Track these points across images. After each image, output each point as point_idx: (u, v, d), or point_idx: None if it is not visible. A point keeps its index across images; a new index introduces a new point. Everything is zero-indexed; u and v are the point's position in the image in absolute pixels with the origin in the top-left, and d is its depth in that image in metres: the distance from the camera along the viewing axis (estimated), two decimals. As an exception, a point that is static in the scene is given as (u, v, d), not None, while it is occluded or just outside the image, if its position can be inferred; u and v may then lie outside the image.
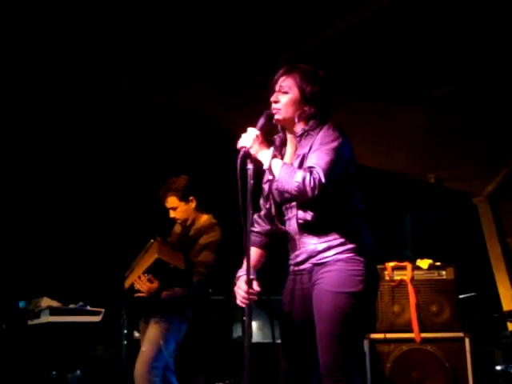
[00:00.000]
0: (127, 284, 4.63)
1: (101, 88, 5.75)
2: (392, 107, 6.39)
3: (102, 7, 4.87)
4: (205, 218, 4.75)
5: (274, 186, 3.11)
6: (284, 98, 3.22)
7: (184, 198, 4.69)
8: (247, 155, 3.05)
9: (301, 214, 3.11)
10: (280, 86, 3.24)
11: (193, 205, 4.72)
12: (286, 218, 3.24)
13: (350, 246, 3.05)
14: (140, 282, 4.44)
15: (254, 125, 3.16)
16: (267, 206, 3.33)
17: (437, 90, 6.28)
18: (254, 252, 3.28)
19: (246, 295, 3.04)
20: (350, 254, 3.03)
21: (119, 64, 5.45)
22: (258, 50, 5.54)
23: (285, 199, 3.18)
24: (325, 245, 3.07)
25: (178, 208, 4.70)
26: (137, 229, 5.56)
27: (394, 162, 7.24)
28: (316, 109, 3.20)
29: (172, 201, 4.69)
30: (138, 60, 5.41)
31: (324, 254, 3.07)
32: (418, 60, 5.79)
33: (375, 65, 5.85)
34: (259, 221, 3.39)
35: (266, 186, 3.31)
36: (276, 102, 3.23)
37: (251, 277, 3.04)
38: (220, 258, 4.58)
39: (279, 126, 3.34)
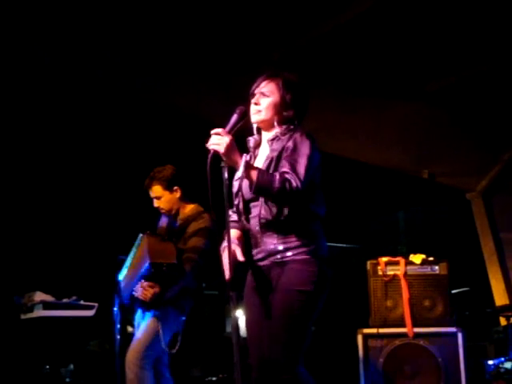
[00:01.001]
0: (121, 277, 4.63)
1: (97, 84, 5.74)
2: (385, 103, 6.39)
3: (100, 5, 4.87)
4: (190, 207, 4.74)
5: (252, 190, 3.16)
6: (265, 101, 3.34)
7: (169, 188, 4.68)
8: (218, 156, 3.07)
9: (263, 213, 3.25)
10: (261, 90, 3.36)
11: (177, 195, 4.70)
12: (250, 215, 3.34)
13: (306, 248, 3.21)
14: (143, 290, 4.43)
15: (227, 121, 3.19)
16: (236, 202, 3.41)
17: (430, 85, 6.28)
18: (235, 231, 3.41)
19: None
20: (306, 256, 3.20)
21: (114, 61, 5.44)
22: (250, 46, 5.53)
23: (252, 197, 3.29)
24: (283, 246, 3.23)
25: (162, 197, 4.69)
26: (129, 223, 5.55)
27: (388, 158, 7.26)
28: (294, 114, 3.34)
29: (156, 190, 4.69)
30: (133, 56, 5.40)
31: (282, 255, 3.23)
32: (413, 56, 5.79)
33: (368, 60, 5.85)
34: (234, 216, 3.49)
35: (236, 183, 3.36)
36: (257, 103, 3.36)
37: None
38: (210, 242, 4.52)
39: (255, 128, 3.46)
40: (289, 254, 3.21)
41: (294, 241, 3.22)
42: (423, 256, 5.33)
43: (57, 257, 7.26)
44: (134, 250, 4.61)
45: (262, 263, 3.31)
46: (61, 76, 5.56)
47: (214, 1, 4.97)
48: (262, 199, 3.25)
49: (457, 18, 5.25)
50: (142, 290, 4.42)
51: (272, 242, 3.26)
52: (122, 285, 4.65)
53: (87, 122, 6.51)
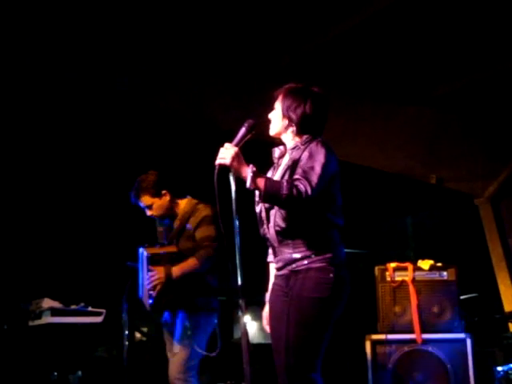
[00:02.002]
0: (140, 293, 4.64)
1: (102, 90, 5.75)
2: (393, 108, 6.39)
3: (108, 9, 4.88)
4: (184, 204, 4.69)
5: (261, 199, 3.22)
6: (273, 115, 3.46)
7: (157, 194, 4.63)
8: (225, 168, 3.12)
9: (278, 221, 3.31)
10: (275, 105, 3.47)
11: (167, 198, 4.66)
12: (269, 224, 3.38)
13: (321, 256, 3.24)
14: (150, 279, 4.41)
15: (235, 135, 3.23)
16: (257, 210, 3.46)
17: (439, 90, 6.28)
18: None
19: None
20: (322, 264, 3.24)
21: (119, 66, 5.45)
22: (259, 52, 5.54)
23: (271, 206, 3.34)
24: (299, 255, 3.28)
25: (153, 205, 4.64)
26: (136, 229, 5.55)
27: (396, 163, 7.24)
28: (306, 125, 3.39)
29: (145, 199, 4.64)
30: (139, 62, 5.41)
31: (299, 263, 3.28)
32: (420, 60, 5.80)
33: (376, 66, 5.85)
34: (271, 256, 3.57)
35: (257, 192, 3.38)
36: (269, 119, 3.47)
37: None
38: (215, 226, 4.48)
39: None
40: (305, 262, 3.26)
41: (309, 249, 3.26)
42: (431, 262, 5.31)
43: (65, 263, 7.27)
44: (139, 264, 4.61)
45: (281, 272, 3.38)
46: (62, 79, 5.56)
47: (223, 7, 4.97)
48: (276, 207, 3.29)
49: (464, 23, 5.25)
50: (150, 279, 4.40)
51: (288, 251, 3.31)
52: (142, 296, 4.63)
53: (103, 131, 6.53)
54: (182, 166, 6.37)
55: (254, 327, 8.09)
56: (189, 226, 4.57)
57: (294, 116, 3.37)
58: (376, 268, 5.35)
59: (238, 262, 3.07)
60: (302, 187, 3.06)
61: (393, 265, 5.32)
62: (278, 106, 3.44)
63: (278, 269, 3.40)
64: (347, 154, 6.80)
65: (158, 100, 5.88)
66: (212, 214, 4.53)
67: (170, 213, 4.69)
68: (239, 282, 3.06)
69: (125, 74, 5.46)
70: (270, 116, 3.46)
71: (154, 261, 4.46)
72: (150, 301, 4.44)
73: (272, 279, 3.52)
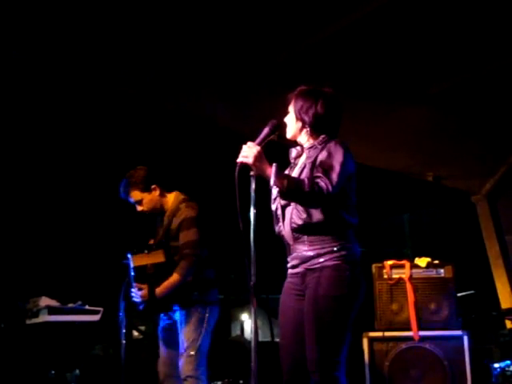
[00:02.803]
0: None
1: (104, 90, 5.75)
2: (390, 106, 6.39)
3: (112, 12, 4.89)
4: (171, 199, 4.68)
5: (282, 196, 3.28)
6: (288, 117, 3.51)
7: (146, 189, 4.63)
8: (246, 167, 3.16)
9: (294, 218, 3.34)
10: (289, 109, 3.52)
11: (156, 193, 4.64)
12: (285, 221, 3.41)
13: (337, 254, 3.28)
14: (136, 293, 4.45)
15: (256, 131, 3.28)
16: (273, 208, 3.50)
17: (435, 87, 6.27)
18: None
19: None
20: (337, 262, 3.27)
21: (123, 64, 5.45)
22: (255, 48, 5.53)
23: (286, 203, 3.39)
24: (314, 252, 3.31)
25: (143, 200, 4.63)
26: (133, 227, 5.55)
27: (393, 161, 7.24)
28: (319, 125, 3.43)
29: (135, 195, 4.63)
30: (131, 56, 5.40)
31: (314, 261, 3.31)
32: (416, 59, 5.79)
33: (373, 63, 5.85)
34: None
35: (275, 191, 3.43)
36: (286, 121, 3.51)
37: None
38: (197, 228, 4.50)
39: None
40: (320, 260, 3.29)
41: (324, 247, 3.30)
42: (428, 259, 5.32)
43: (62, 262, 7.27)
44: (130, 270, 4.61)
45: (296, 270, 3.41)
46: (65, 75, 5.57)
47: (219, 3, 4.97)
48: (293, 205, 3.34)
49: (459, 21, 5.25)
50: (135, 294, 4.45)
51: (303, 249, 3.35)
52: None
53: (101, 129, 6.53)
54: (174, 161, 6.37)
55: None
56: (173, 225, 4.57)
57: (306, 117, 3.42)
58: (373, 266, 5.35)
59: (252, 259, 3.09)
60: (323, 184, 3.12)
61: (390, 262, 5.32)
62: (291, 109, 3.49)
63: (293, 267, 3.43)
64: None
65: (153, 96, 5.88)
66: (195, 216, 4.54)
67: (159, 208, 4.68)
68: (253, 280, 3.08)
69: (119, 69, 5.46)
70: (286, 120, 3.50)
71: (138, 277, 4.47)
72: (141, 307, 4.50)
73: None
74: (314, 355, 3.21)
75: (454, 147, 7.01)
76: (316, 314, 3.23)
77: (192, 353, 4.40)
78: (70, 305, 5.71)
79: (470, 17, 5.20)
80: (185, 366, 4.40)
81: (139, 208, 4.69)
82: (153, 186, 4.65)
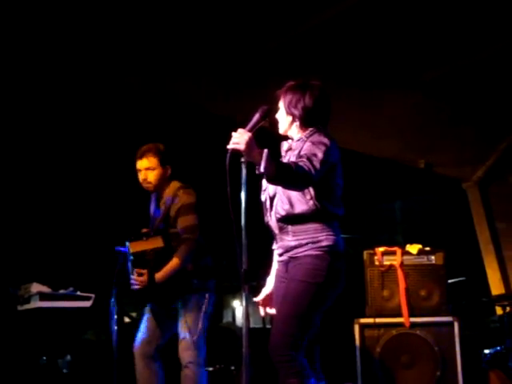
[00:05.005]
0: None
1: (91, 76, 5.74)
2: (382, 93, 6.39)
3: (105, 2, 4.87)
4: (170, 187, 4.65)
5: (271, 181, 3.25)
6: (280, 115, 3.51)
7: (163, 163, 4.62)
8: (237, 153, 3.15)
9: (278, 209, 3.40)
10: (279, 105, 3.53)
11: (167, 173, 4.64)
12: (271, 212, 3.47)
13: (319, 244, 3.32)
14: (135, 280, 4.45)
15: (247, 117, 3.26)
16: (263, 199, 3.53)
17: (427, 75, 6.28)
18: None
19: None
20: (319, 252, 3.31)
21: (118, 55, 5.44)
22: (246, 36, 5.52)
23: (274, 194, 3.44)
24: (297, 242, 3.36)
25: (155, 170, 4.61)
26: (126, 213, 5.55)
27: (384, 148, 7.25)
28: (309, 118, 3.45)
29: (152, 161, 4.59)
30: (132, 48, 5.39)
31: (296, 250, 3.37)
32: (408, 46, 5.79)
33: (365, 50, 5.84)
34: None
35: (264, 181, 3.44)
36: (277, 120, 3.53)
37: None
38: (196, 213, 4.52)
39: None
40: (302, 249, 3.34)
41: (306, 237, 3.34)
42: (420, 246, 5.33)
43: (53, 248, 7.26)
44: (128, 256, 4.61)
45: (281, 258, 3.48)
46: (66, 69, 5.56)
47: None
48: (278, 195, 3.39)
49: (452, 7, 5.25)
50: (134, 281, 4.44)
51: (287, 239, 3.40)
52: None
53: (83, 116, 6.50)
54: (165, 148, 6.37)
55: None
56: (172, 212, 4.57)
57: (296, 111, 3.44)
58: (364, 252, 5.36)
59: (243, 246, 3.11)
60: (305, 168, 3.15)
61: (381, 249, 5.33)
62: (281, 104, 3.51)
63: (279, 255, 3.50)
64: (335, 140, 6.81)
65: (143, 82, 5.85)
66: (194, 202, 4.55)
67: (161, 189, 4.66)
68: (244, 267, 3.10)
69: (110, 55, 5.45)
70: (277, 116, 3.52)
71: (137, 263, 4.47)
72: (139, 292, 4.49)
73: (275, 265, 3.60)
74: (275, 336, 3.25)
75: (445, 134, 7.02)
76: (284, 294, 3.32)
77: (194, 338, 4.42)
78: (62, 291, 5.71)
79: (462, 4, 5.20)
80: (185, 352, 4.42)
81: (145, 175, 4.62)
82: (167, 166, 4.65)
